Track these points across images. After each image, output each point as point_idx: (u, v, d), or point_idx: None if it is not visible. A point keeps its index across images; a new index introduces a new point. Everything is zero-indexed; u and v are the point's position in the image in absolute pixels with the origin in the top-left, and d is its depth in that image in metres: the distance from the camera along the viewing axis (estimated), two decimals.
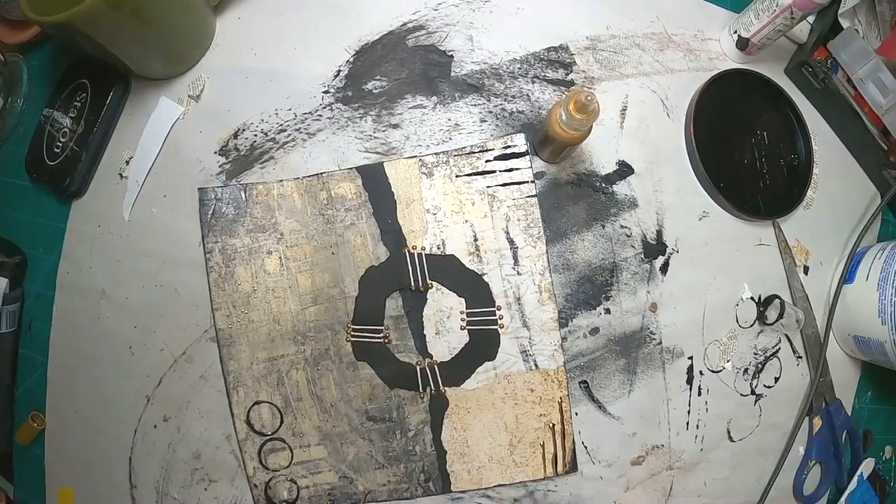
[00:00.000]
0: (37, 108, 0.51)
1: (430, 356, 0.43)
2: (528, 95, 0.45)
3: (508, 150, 0.44)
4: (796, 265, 0.49)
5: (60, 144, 0.48)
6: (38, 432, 0.49)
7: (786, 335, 0.49)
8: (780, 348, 0.49)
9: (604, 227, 0.45)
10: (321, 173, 0.44)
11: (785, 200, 0.49)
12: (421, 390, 0.43)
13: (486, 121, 0.45)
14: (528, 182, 0.43)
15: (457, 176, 0.43)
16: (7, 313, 0.49)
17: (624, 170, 0.45)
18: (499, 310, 0.43)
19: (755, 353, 0.48)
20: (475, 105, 0.45)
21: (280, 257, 0.44)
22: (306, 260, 0.44)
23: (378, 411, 0.43)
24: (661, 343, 0.45)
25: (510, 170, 0.44)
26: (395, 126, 0.45)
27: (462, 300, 0.43)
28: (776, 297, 0.47)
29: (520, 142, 0.44)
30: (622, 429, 0.44)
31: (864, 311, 0.47)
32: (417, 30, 0.46)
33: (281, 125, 0.45)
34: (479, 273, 0.43)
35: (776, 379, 0.48)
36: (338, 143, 0.45)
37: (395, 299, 0.43)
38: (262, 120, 0.46)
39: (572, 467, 0.43)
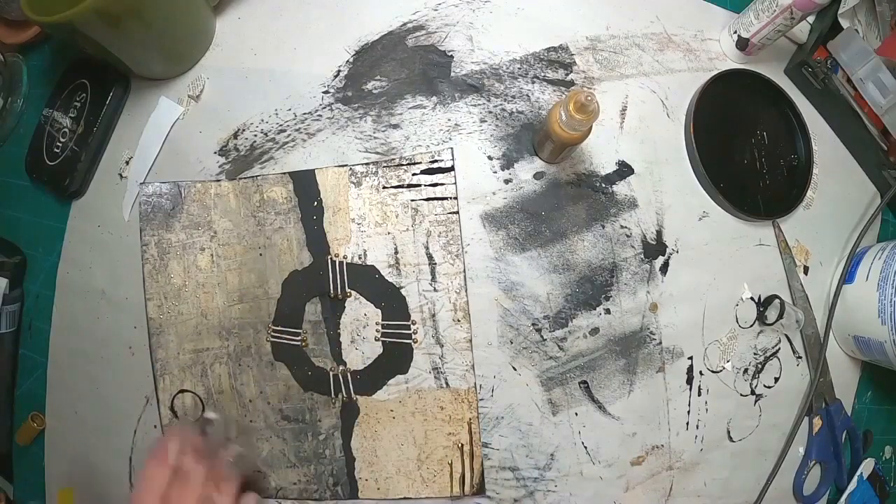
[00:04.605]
0: (37, 108, 0.51)
1: (344, 363, 0.44)
2: (528, 95, 0.45)
3: (435, 165, 0.43)
4: (796, 265, 0.49)
5: (60, 144, 0.48)
6: (38, 432, 0.49)
7: (786, 335, 0.49)
8: (779, 348, 0.49)
9: (604, 227, 0.45)
10: (256, 176, 0.44)
11: (785, 200, 0.49)
12: (333, 396, 0.44)
13: (485, 121, 0.45)
14: (450, 198, 0.43)
15: (383, 187, 0.43)
16: (7, 313, 0.49)
17: (624, 170, 0.45)
18: (414, 324, 0.43)
19: (755, 354, 0.48)
20: (475, 105, 0.45)
21: (212, 254, 0.45)
22: (236, 259, 0.45)
23: (292, 412, 0.44)
24: (661, 343, 0.45)
25: (435, 185, 0.43)
26: (395, 126, 0.45)
27: (379, 311, 0.43)
28: (776, 297, 0.47)
29: (447, 157, 0.43)
30: (622, 429, 0.44)
31: (864, 311, 0.47)
32: (417, 30, 0.46)
33: (281, 125, 0.45)
34: (397, 286, 0.43)
35: (776, 379, 0.48)
36: (337, 144, 0.45)
37: (315, 304, 0.44)
38: (262, 120, 0.46)
39: (480, 489, 0.43)
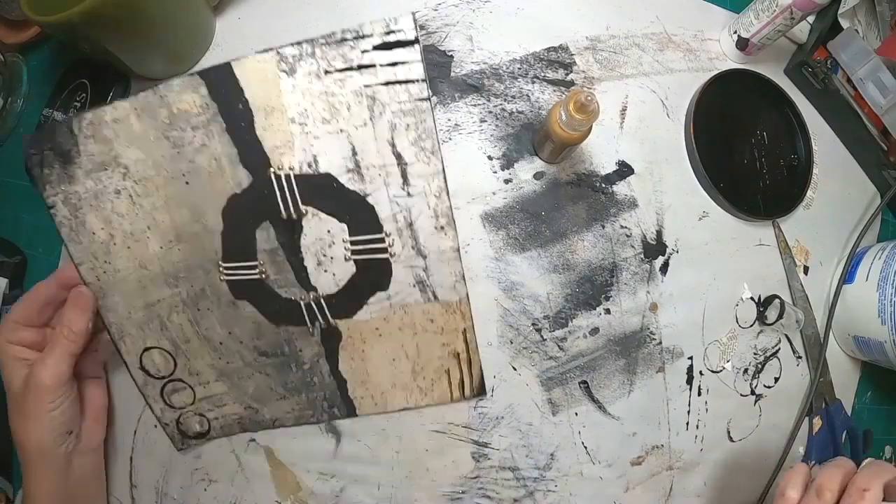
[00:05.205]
0: (37, 108, 0.50)
1: (315, 289, 0.39)
2: (528, 95, 0.45)
3: (392, 38, 0.35)
4: (796, 265, 0.49)
5: None
6: None
7: (786, 335, 0.49)
8: (779, 348, 0.49)
9: (604, 227, 0.45)
10: (157, 85, 0.37)
11: (785, 200, 0.49)
12: (309, 325, 0.40)
13: (485, 121, 0.45)
14: (417, 81, 0.36)
15: (326, 72, 0.35)
16: (7, 313, 0.49)
17: (624, 170, 0.45)
18: (388, 236, 0.38)
19: (755, 354, 0.48)
20: (475, 105, 0.45)
21: (130, 195, 0.38)
22: (159, 194, 0.38)
23: (268, 346, 0.40)
24: (661, 343, 0.45)
25: (395, 63, 0.35)
26: None
27: (344, 226, 0.38)
28: (776, 297, 0.47)
29: (406, 25, 0.35)
30: (622, 429, 0.44)
31: (864, 311, 0.47)
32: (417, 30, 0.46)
33: None
34: (362, 194, 0.37)
35: (776, 379, 0.48)
36: None
37: (267, 230, 0.38)
38: None
39: (480, 391, 0.41)
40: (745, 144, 0.49)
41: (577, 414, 0.44)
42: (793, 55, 0.51)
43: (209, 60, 0.47)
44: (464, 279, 0.40)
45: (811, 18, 0.50)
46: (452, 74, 0.45)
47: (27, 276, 0.51)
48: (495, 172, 0.44)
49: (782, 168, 0.50)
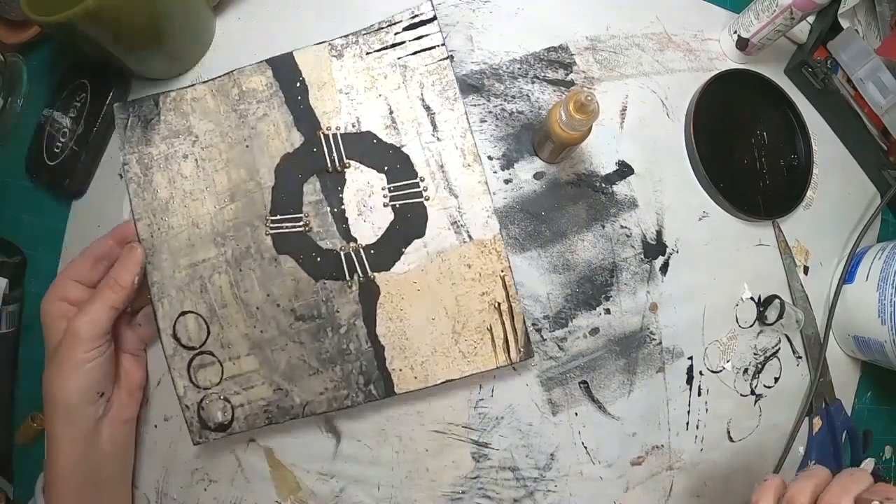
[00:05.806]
0: (37, 108, 0.50)
1: (355, 239, 0.42)
2: (528, 95, 0.45)
3: (417, 19, 0.43)
4: (796, 265, 0.49)
5: (60, 144, 0.48)
6: (38, 432, 0.49)
7: (786, 335, 0.49)
8: (779, 348, 0.49)
9: (604, 227, 0.45)
10: (232, 71, 0.44)
11: (785, 200, 0.49)
12: (348, 278, 0.42)
13: (485, 121, 0.45)
14: (438, 46, 0.43)
15: (367, 53, 0.43)
16: (7, 313, 0.49)
17: (624, 170, 0.45)
18: (422, 181, 0.42)
19: (755, 354, 0.48)
20: (475, 105, 0.45)
21: (196, 159, 0.43)
22: (221, 158, 0.43)
23: (306, 308, 0.42)
24: (661, 343, 0.45)
25: (420, 37, 0.43)
26: None
27: (382, 176, 0.42)
28: (776, 297, 0.48)
29: (426, 9, 0.43)
30: (622, 429, 0.44)
31: (864, 311, 0.47)
32: None
33: None
34: (398, 145, 0.42)
35: (776, 379, 0.48)
36: None
37: (313, 183, 0.42)
38: None
39: (527, 353, 0.41)
40: (745, 144, 0.49)
41: (577, 414, 0.44)
42: (793, 55, 0.51)
43: (209, 60, 0.47)
44: (494, 214, 0.42)
45: (811, 18, 0.50)
46: None
47: (27, 276, 0.51)
48: (495, 172, 0.44)
49: (782, 168, 0.50)
